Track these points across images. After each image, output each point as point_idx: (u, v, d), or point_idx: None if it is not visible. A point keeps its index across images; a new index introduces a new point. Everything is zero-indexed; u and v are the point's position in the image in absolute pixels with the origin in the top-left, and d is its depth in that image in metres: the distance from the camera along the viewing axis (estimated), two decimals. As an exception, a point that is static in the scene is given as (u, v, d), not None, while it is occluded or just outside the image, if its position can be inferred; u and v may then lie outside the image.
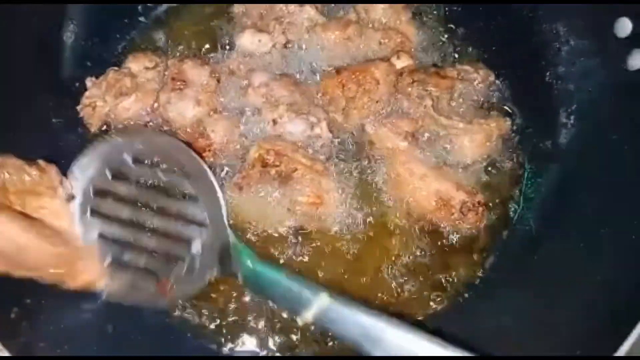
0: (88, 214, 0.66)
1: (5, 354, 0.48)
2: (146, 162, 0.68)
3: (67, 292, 0.60)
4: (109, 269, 0.65)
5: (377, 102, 0.81)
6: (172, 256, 0.67)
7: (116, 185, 0.68)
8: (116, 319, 0.66)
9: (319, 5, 0.88)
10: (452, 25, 0.91)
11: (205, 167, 0.69)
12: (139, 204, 0.68)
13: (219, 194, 0.68)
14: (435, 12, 0.92)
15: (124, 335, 0.66)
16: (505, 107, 0.85)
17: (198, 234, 0.68)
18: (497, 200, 0.80)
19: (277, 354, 0.73)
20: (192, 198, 0.68)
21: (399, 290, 0.76)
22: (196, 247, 0.67)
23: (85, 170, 0.67)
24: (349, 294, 0.72)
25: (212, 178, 0.68)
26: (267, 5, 0.86)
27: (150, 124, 0.79)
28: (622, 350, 0.53)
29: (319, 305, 0.58)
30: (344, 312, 0.57)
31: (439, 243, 0.77)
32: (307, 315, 0.59)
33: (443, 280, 0.77)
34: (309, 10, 0.87)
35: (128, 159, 0.68)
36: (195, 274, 0.67)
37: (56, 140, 0.76)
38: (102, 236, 0.66)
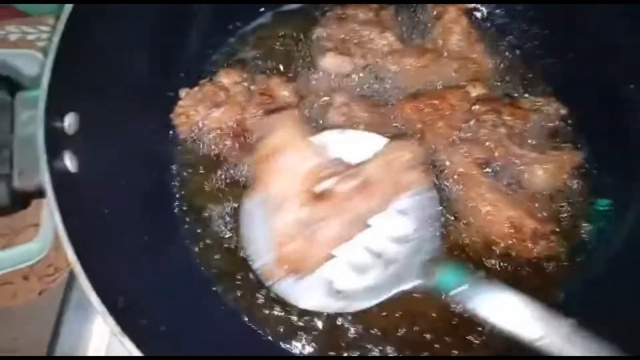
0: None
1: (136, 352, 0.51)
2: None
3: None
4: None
5: (451, 127, 0.85)
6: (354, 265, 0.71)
7: None
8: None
9: (397, 33, 0.93)
10: (525, 58, 0.94)
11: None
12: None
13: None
14: (507, 44, 0.95)
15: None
16: (577, 141, 0.87)
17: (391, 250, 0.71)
18: (569, 232, 0.81)
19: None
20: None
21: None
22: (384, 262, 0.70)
23: None
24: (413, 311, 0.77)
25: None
26: (349, 30, 0.91)
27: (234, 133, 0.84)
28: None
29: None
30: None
31: (508, 271, 0.79)
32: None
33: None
34: (388, 36, 0.91)
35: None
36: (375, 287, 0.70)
37: (148, 142, 0.82)
38: None
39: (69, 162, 0.62)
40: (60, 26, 0.61)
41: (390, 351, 0.76)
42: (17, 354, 0.94)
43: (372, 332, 0.76)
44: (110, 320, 0.52)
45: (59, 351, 0.84)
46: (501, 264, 0.79)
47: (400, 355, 0.76)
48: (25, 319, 0.98)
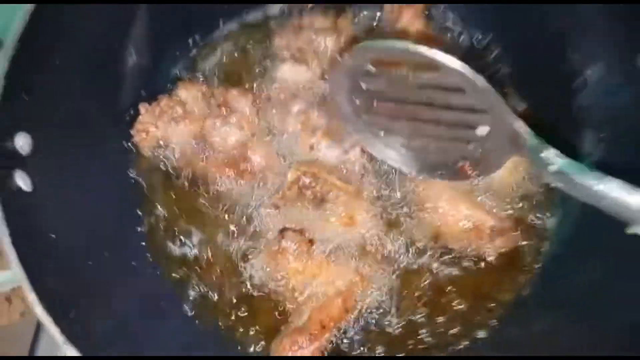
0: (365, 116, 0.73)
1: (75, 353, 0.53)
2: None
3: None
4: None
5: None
6: (461, 140, 0.69)
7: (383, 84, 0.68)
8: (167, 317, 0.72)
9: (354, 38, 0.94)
10: (481, 57, 0.95)
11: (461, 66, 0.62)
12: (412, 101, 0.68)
13: (487, 85, 0.63)
14: (464, 45, 0.96)
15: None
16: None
17: (480, 119, 0.65)
18: (527, 226, 0.82)
19: None
20: (461, 90, 0.64)
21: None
22: (481, 131, 0.66)
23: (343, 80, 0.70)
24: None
25: (473, 74, 0.62)
26: (306, 38, 0.92)
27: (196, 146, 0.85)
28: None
29: None
30: None
31: (465, 268, 0.80)
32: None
33: (464, 309, 0.79)
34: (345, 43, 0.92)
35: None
36: (491, 156, 0.67)
37: (109, 161, 0.83)
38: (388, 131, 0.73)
39: (22, 181, 0.63)
40: (9, 50, 0.63)
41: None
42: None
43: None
44: (56, 330, 0.54)
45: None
46: (456, 263, 0.80)
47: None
48: (7, 339, 1.01)
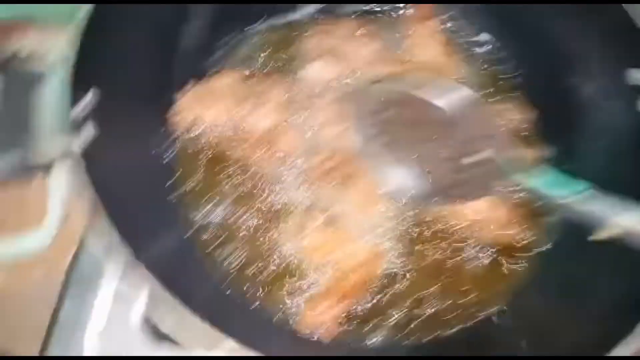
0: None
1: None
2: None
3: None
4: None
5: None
6: (451, 169, 0.78)
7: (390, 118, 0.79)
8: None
9: (377, 45, 1.03)
10: (495, 68, 1.04)
11: None
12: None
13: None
14: (479, 56, 1.06)
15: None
16: (539, 140, 0.97)
17: (468, 150, 0.75)
18: (534, 220, 0.88)
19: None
20: (449, 124, 0.74)
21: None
22: (466, 161, 0.76)
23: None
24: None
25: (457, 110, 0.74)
26: (335, 41, 1.01)
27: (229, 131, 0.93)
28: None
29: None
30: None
31: (467, 251, 0.87)
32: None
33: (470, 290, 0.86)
34: (369, 48, 1.01)
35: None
36: (477, 183, 0.77)
37: (152, 134, 0.91)
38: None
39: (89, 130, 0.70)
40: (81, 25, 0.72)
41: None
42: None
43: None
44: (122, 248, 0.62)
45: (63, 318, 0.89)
46: (465, 245, 0.87)
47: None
48: (30, 302, 1.04)
